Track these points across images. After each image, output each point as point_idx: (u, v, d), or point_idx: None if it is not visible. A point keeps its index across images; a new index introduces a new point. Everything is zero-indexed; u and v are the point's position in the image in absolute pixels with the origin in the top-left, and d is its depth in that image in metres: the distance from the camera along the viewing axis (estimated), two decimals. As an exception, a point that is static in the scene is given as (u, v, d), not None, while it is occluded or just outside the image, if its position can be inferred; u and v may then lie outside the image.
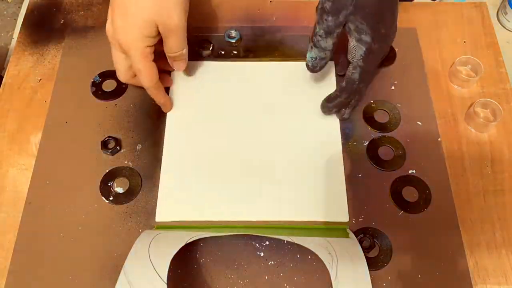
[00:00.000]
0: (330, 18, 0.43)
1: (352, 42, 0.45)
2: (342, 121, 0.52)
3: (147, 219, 0.48)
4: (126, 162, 0.51)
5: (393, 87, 0.56)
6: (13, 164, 0.51)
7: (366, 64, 0.45)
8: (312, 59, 0.47)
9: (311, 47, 0.46)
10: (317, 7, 0.44)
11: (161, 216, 0.47)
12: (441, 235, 0.47)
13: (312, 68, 0.48)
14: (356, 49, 0.45)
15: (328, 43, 0.45)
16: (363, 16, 0.42)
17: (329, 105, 0.50)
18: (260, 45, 0.59)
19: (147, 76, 0.47)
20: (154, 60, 0.47)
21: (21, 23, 0.61)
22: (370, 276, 0.41)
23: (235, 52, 0.58)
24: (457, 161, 0.51)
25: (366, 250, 0.44)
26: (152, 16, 0.43)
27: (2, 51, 1.13)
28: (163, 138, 0.52)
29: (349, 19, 0.43)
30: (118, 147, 0.50)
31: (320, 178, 0.49)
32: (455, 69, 0.55)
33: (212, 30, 0.60)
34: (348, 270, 0.40)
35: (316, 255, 0.45)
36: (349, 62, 0.46)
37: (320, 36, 0.44)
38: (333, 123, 0.52)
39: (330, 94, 0.50)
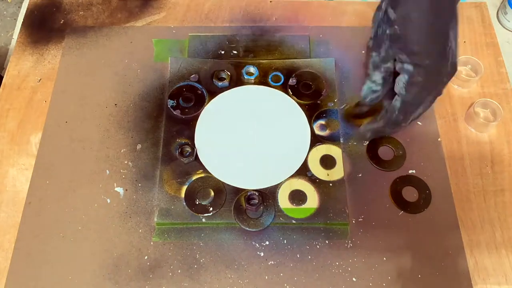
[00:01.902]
0: (374, 53, 0.45)
1: (398, 72, 0.45)
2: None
3: (147, 219, 0.48)
4: (126, 162, 0.51)
5: (393, 87, 0.56)
6: (13, 164, 0.51)
7: (408, 94, 0.44)
8: (365, 89, 0.48)
9: (366, 79, 0.47)
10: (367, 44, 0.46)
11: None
12: (441, 235, 0.47)
13: (364, 98, 0.48)
14: (400, 79, 0.44)
15: (377, 76, 0.46)
16: (401, 47, 0.42)
17: (364, 129, 0.50)
18: (260, 45, 0.59)
19: None
20: None
21: (21, 23, 0.61)
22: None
23: (235, 52, 0.58)
24: (457, 161, 0.51)
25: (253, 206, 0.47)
26: None
27: (2, 51, 1.13)
28: (163, 138, 0.52)
29: (391, 52, 0.43)
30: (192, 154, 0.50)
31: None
32: (455, 69, 0.55)
33: (212, 30, 0.60)
34: None
35: (316, 255, 0.45)
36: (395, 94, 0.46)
37: (370, 69, 0.46)
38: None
39: (368, 122, 0.50)
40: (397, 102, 0.45)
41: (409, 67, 0.42)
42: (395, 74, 0.45)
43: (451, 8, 0.41)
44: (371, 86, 0.47)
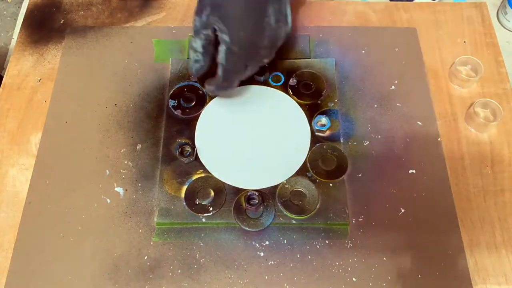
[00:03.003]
0: (196, 17, 0.47)
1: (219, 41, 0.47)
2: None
3: (147, 219, 0.48)
4: (126, 162, 0.51)
5: (393, 87, 0.56)
6: (13, 164, 0.51)
7: (228, 63, 0.46)
8: (190, 60, 0.49)
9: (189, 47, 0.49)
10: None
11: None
12: (441, 235, 0.47)
13: (190, 69, 0.51)
14: (220, 48, 0.46)
15: (197, 43, 0.47)
16: (220, 17, 0.44)
17: (207, 88, 0.51)
18: (260, 45, 0.59)
19: None
20: None
21: (21, 23, 0.61)
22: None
23: (235, 52, 0.58)
24: (457, 161, 0.51)
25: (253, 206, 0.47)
26: None
27: (2, 51, 1.13)
28: (163, 138, 0.52)
29: (211, 19, 0.45)
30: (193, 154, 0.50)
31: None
32: (455, 69, 0.55)
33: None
34: None
35: (316, 255, 0.45)
36: None
37: (192, 36, 0.48)
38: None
39: (211, 80, 0.50)
40: (219, 70, 0.47)
41: (226, 37, 0.44)
42: (217, 44, 0.47)
43: None
44: (193, 56, 0.48)
